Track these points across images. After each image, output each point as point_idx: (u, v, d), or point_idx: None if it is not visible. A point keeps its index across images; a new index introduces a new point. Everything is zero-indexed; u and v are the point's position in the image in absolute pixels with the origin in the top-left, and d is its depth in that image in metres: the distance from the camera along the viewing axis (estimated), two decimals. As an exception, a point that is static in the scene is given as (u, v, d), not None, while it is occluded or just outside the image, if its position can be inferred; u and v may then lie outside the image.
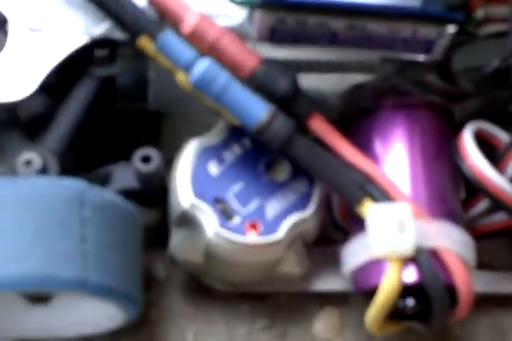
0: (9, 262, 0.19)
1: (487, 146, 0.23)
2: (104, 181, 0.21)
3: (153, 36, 0.20)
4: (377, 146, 0.22)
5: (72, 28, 0.21)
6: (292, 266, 0.22)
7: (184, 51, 0.20)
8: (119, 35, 0.21)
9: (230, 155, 0.21)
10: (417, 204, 0.21)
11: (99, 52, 0.21)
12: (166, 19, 0.21)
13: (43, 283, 0.19)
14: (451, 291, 0.21)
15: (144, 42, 0.20)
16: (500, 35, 0.21)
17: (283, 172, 0.22)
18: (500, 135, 0.22)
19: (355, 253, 0.21)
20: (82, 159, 0.22)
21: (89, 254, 0.19)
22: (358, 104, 0.23)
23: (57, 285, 0.19)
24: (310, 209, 0.21)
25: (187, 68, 0.20)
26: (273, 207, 0.21)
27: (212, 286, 0.24)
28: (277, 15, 0.19)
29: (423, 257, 0.20)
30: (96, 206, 0.19)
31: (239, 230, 0.21)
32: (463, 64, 0.23)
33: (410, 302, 0.20)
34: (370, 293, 0.21)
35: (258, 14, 0.20)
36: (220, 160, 0.21)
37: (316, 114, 0.21)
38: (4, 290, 0.19)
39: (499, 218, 0.22)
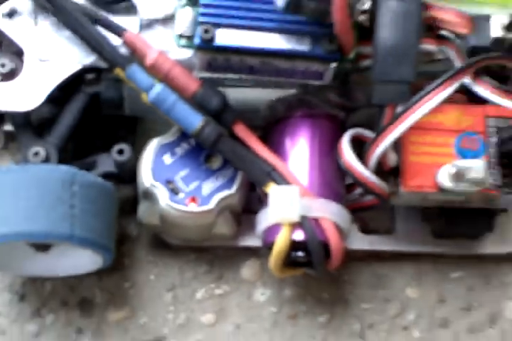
0: (21, 221, 0.28)
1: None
2: (90, 167, 0.30)
3: (123, 68, 0.28)
4: (287, 145, 0.31)
5: (70, 59, 0.30)
6: (223, 228, 0.32)
7: (145, 78, 0.28)
8: (102, 64, 0.30)
9: (180, 150, 0.30)
10: (310, 188, 0.30)
11: (89, 76, 0.30)
12: (135, 54, 0.29)
13: (44, 236, 0.28)
14: (327, 247, 0.30)
15: (118, 72, 0.29)
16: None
17: (216, 162, 0.30)
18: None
19: (263, 220, 0.30)
20: (76, 151, 0.31)
21: (76, 217, 0.28)
22: (276, 113, 0.32)
23: (53, 238, 0.28)
24: (233, 189, 0.30)
25: (146, 91, 0.28)
26: (208, 187, 0.30)
27: (168, 241, 0.33)
28: (210, 55, 0.28)
29: (306, 223, 0.29)
30: (82, 184, 0.29)
31: (182, 202, 0.30)
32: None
33: (299, 254, 0.30)
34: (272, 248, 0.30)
35: (197, 53, 0.28)
36: (173, 153, 0.30)
37: (239, 122, 0.29)
38: (17, 240, 0.28)
39: (370, 198, 0.31)
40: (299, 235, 0.29)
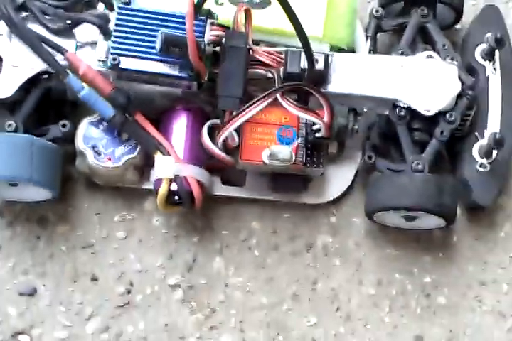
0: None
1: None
2: (44, 133, 0.48)
3: (63, 74, 0.45)
4: (171, 128, 0.48)
5: (32, 65, 0.46)
6: (130, 176, 0.49)
7: (78, 83, 0.45)
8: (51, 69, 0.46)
9: (102, 126, 0.48)
10: (183, 157, 0.47)
11: (44, 76, 0.47)
12: (72, 66, 0.46)
13: (12, 179, 0.46)
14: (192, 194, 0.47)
15: (61, 77, 0.45)
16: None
17: (125, 136, 0.48)
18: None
19: (152, 175, 0.48)
20: (36, 123, 0.48)
21: (34, 167, 0.46)
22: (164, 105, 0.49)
23: (19, 180, 0.46)
24: (135, 154, 0.48)
25: (79, 91, 0.45)
26: (119, 151, 0.48)
27: (96, 182, 0.51)
28: (117, 72, 0.45)
29: (178, 179, 0.47)
30: (38, 146, 0.46)
31: (102, 161, 0.48)
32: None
33: (175, 198, 0.47)
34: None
35: (110, 71, 0.45)
36: (97, 128, 0.48)
37: (138, 112, 0.47)
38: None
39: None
40: (174, 186, 0.47)
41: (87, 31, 0.46)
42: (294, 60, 0.47)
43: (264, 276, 0.51)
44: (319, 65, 0.47)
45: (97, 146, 0.48)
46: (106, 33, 0.45)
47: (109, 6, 0.46)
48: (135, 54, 0.44)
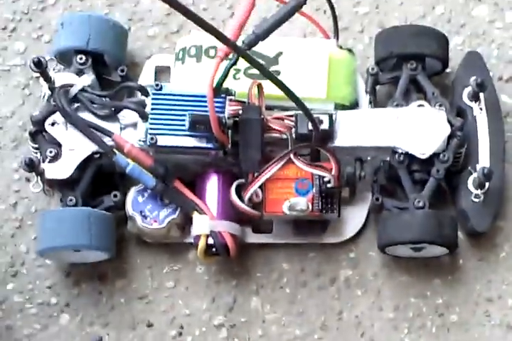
0: (67, 239, 0.55)
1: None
2: (100, 203, 0.58)
3: (110, 153, 0.55)
4: (205, 189, 0.58)
5: (85, 147, 0.56)
6: (174, 234, 0.59)
7: (124, 160, 0.55)
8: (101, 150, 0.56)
9: (146, 193, 0.57)
10: (217, 214, 0.57)
11: (96, 155, 0.57)
12: (118, 145, 0.55)
13: (76, 246, 0.56)
14: (227, 246, 0.57)
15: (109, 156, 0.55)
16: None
17: (166, 200, 0.57)
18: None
19: (192, 232, 0.57)
20: (91, 194, 0.58)
21: (93, 234, 0.56)
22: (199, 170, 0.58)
23: (81, 247, 0.56)
24: (176, 214, 0.57)
25: (125, 167, 0.55)
26: (162, 214, 0.57)
27: (146, 240, 0.60)
28: (156, 148, 0.55)
29: (214, 234, 0.56)
30: (95, 216, 0.56)
31: (149, 223, 0.57)
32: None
33: (212, 250, 0.57)
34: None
35: (149, 147, 0.55)
36: (143, 196, 0.58)
37: (176, 179, 0.56)
38: (64, 250, 0.56)
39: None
40: (211, 240, 0.57)
41: (128, 115, 0.57)
42: (303, 122, 0.56)
43: (295, 310, 0.60)
44: (324, 125, 0.56)
45: (143, 211, 0.57)
46: (144, 117, 0.55)
47: (145, 93, 0.56)
48: (169, 132, 0.54)
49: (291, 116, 0.57)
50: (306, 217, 0.57)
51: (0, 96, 0.65)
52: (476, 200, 0.59)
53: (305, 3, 0.56)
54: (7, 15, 0.68)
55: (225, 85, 0.55)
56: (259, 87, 0.55)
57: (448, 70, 0.65)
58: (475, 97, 0.61)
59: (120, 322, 0.60)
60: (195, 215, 0.56)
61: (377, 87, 0.63)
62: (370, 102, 0.62)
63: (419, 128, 0.59)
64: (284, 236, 0.60)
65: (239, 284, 0.60)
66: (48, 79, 0.57)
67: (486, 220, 0.59)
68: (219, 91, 0.53)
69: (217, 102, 0.54)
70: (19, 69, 0.66)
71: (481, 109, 0.62)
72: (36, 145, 0.58)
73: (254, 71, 0.57)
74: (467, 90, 0.62)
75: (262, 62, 0.59)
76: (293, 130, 0.56)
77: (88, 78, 0.58)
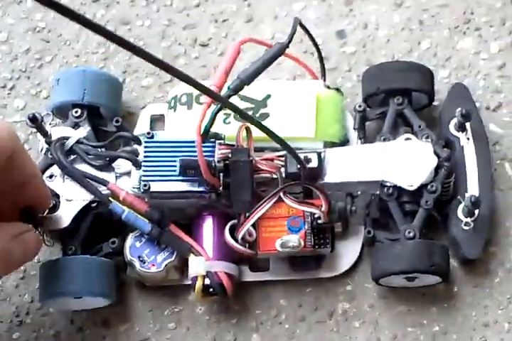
0: (66, 286, 0.58)
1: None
2: (99, 250, 0.61)
3: (106, 202, 0.58)
4: (201, 230, 0.61)
5: (82, 197, 0.60)
6: (172, 276, 0.61)
7: (119, 208, 0.58)
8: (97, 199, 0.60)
9: (143, 239, 0.60)
10: (212, 255, 0.59)
11: (93, 204, 0.60)
12: (113, 194, 0.59)
13: (78, 294, 0.59)
14: (223, 285, 0.59)
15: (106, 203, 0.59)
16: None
17: (163, 244, 0.60)
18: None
19: (189, 273, 0.60)
20: (90, 242, 0.61)
21: (93, 282, 0.59)
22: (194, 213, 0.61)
23: (82, 294, 0.59)
24: (173, 257, 0.60)
25: (121, 214, 0.58)
26: (160, 257, 0.60)
27: (145, 284, 0.62)
28: (149, 194, 0.58)
29: (211, 274, 0.59)
30: (94, 263, 0.60)
31: (147, 267, 0.60)
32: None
33: (210, 290, 0.59)
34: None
35: (144, 194, 0.58)
36: (140, 241, 0.60)
37: (172, 223, 0.59)
38: (66, 296, 0.59)
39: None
40: (207, 281, 0.59)
41: (123, 164, 0.60)
42: (292, 161, 0.59)
43: (295, 345, 0.62)
44: (313, 163, 0.59)
45: (141, 256, 0.60)
46: (137, 165, 0.58)
47: (138, 142, 0.60)
48: (161, 178, 0.57)
49: (281, 156, 0.60)
50: (300, 253, 0.60)
51: (2, 153, 0.68)
52: (467, 228, 0.61)
53: (288, 47, 0.59)
54: (6, 75, 0.72)
55: (215, 130, 0.58)
56: (248, 129, 0.59)
57: (436, 103, 0.68)
58: (461, 128, 0.64)
59: (123, 366, 0.62)
60: (191, 257, 0.59)
61: (367, 123, 0.66)
62: (360, 138, 0.65)
63: (406, 161, 0.61)
64: (281, 273, 0.62)
65: (239, 322, 0.63)
66: (44, 134, 0.61)
67: (477, 247, 0.61)
68: (207, 136, 0.56)
69: (206, 147, 0.57)
70: (19, 126, 0.69)
71: (468, 138, 0.64)
72: (36, 198, 0.61)
73: (243, 115, 0.61)
74: (453, 121, 0.64)
75: (251, 105, 0.63)
76: (282, 169, 0.60)
77: (84, 130, 0.62)
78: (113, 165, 0.60)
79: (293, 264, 0.62)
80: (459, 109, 0.63)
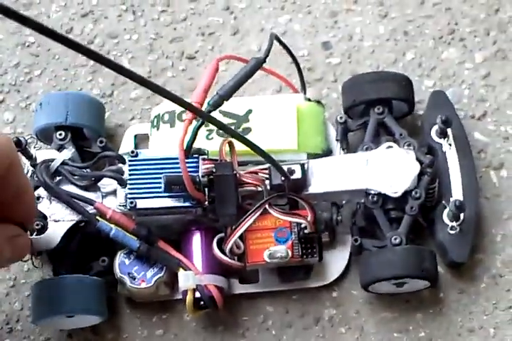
0: (62, 307, 0.60)
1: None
2: (89, 269, 0.63)
3: (93, 221, 0.60)
4: (190, 245, 0.62)
5: (69, 217, 0.62)
6: (162, 291, 0.63)
7: (107, 226, 0.60)
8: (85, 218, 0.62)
9: (132, 256, 0.62)
10: (202, 269, 0.61)
11: (81, 223, 0.62)
12: (100, 212, 0.61)
13: (70, 312, 0.61)
14: (213, 298, 0.61)
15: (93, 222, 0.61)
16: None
17: (152, 260, 0.62)
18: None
19: (180, 287, 0.61)
20: (80, 261, 0.63)
21: (86, 300, 0.61)
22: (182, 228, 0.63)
23: (74, 313, 0.61)
24: (163, 273, 0.62)
25: (109, 232, 0.60)
26: (149, 273, 0.62)
27: (136, 300, 0.64)
28: (136, 212, 0.60)
29: (201, 287, 0.60)
30: (85, 282, 0.62)
31: (137, 284, 0.62)
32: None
33: (200, 303, 0.61)
34: (186, 301, 0.62)
35: (130, 210, 0.60)
36: (129, 258, 0.62)
37: (160, 240, 0.61)
38: (58, 316, 0.61)
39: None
40: (197, 294, 0.61)
41: (109, 183, 0.62)
42: (276, 173, 0.61)
43: (282, 352, 0.64)
44: (297, 175, 0.62)
45: (131, 273, 0.62)
46: (122, 183, 0.60)
47: (123, 161, 0.61)
48: (147, 195, 0.59)
49: (265, 169, 0.62)
50: (288, 264, 0.62)
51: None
52: (453, 232, 0.63)
53: (264, 62, 0.61)
54: (-4, 89, 0.74)
55: (199, 146, 0.61)
56: (230, 144, 0.61)
57: (420, 112, 0.70)
58: (443, 134, 0.66)
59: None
60: (181, 272, 0.61)
61: (350, 133, 0.68)
62: (343, 149, 0.67)
63: (389, 169, 0.63)
64: (271, 284, 0.64)
65: (226, 328, 0.65)
66: (29, 157, 0.63)
67: (464, 250, 0.63)
68: (190, 151, 0.58)
69: (190, 162, 0.59)
70: (7, 139, 0.72)
71: (450, 144, 0.67)
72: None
73: (226, 130, 0.63)
74: (435, 128, 0.67)
75: (233, 120, 0.65)
76: (267, 182, 0.62)
77: (68, 152, 0.64)
78: (99, 184, 0.62)
79: (282, 275, 0.64)
80: (439, 116, 0.65)
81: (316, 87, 0.72)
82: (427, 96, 0.70)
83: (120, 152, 0.66)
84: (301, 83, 0.68)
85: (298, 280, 0.64)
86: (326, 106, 0.70)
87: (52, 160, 0.63)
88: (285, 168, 0.61)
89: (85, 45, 0.71)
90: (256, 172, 0.62)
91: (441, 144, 0.67)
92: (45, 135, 0.67)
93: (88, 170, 0.63)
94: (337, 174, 0.64)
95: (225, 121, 0.65)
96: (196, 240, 0.63)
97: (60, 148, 0.65)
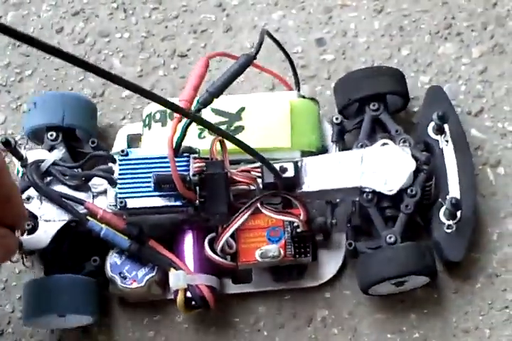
0: (52, 307, 0.62)
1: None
2: (82, 269, 0.64)
3: (84, 220, 0.61)
4: (182, 245, 0.63)
5: (60, 217, 0.63)
6: (155, 291, 0.64)
7: (97, 226, 0.61)
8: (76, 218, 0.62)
9: (124, 255, 0.63)
10: (194, 268, 0.62)
11: (73, 223, 0.63)
12: (91, 212, 0.61)
13: (63, 312, 0.62)
14: (205, 298, 0.62)
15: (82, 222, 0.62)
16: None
17: (144, 260, 0.63)
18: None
19: (171, 287, 0.62)
20: (73, 261, 0.64)
21: (78, 300, 0.62)
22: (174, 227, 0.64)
23: (68, 313, 0.62)
24: (154, 273, 0.62)
25: (99, 232, 0.61)
26: (141, 273, 0.62)
27: (128, 300, 0.65)
28: (126, 212, 0.60)
29: (192, 287, 0.61)
30: (78, 282, 0.63)
31: (129, 283, 0.62)
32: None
33: (192, 303, 0.62)
34: (177, 301, 0.62)
35: (120, 210, 0.61)
36: (120, 258, 0.63)
37: (151, 239, 0.62)
38: (49, 315, 0.62)
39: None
40: (189, 294, 0.62)
41: (100, 183, 0.63)
42: (269, 172, 0.61)
43: (274, 353, 0.64)
44: (289, 173, 0.62)
45: (122, 272, 0.62)
46: (112, 183, 0.61)
47: (113, 160, 0.62)
48: (137, 194, 0.60)
49: (257, 167, 0.63)
50: (281, 263, 0.62)
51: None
52: (449, 231, 0.63)
53: (255, 58, 0.62)
54: (-14, 90, 0.75)
55: (191, 145, 0.61)
56: (222, 142, 0.61)
57: (416, 109, 0.70)
58: (439, 130, 0.66)
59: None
60: (172, 272, 0.61)
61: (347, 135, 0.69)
62: (340, 150, 0.67)
63: (384, 166, 0.63)
64: (264, 284, 0.65)
65: (217, 330, 0.66)
66: (19, 157, 0.63)
67: (459, 250, 0.64)
68: (179, 150, 0.59)
69: (180, 161, 0.60)
70: (-1, 139, 0.72)
71: (447, 141, 0.67)
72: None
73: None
74: (432, 124, 0.67)
75: (225, 119, 0.66)
76: (260, 180, 0.62)
77: (59, 152, 0.65)
78: (90, 184, 0.63)
79: (275, 275, 0.64)
80: (436, 111, 0.65)
81: (309, 84, 0.73)
82: (422, 93, 0.70)
83: (113, 152, 0.67)
84: (294, 80, 0.68)
85: (291, 280, 0.64)
86: (320, 104, 0.70)
87: (43, 160, 0.63)
88: (278, 166, 0.62)
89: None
90: (248, 171, 0.63)
91: (438, 141, 0.67)
92: (36, 135, 0.68)
93: (79, 170, 0.64)
94: (331, 172, 0.64)
95: (217, 119, 0.65)
96: (188, 239, 0.63)
97: (51, 149, 0.66)
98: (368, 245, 0.64)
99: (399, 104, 0.70)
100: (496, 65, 0.72)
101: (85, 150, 0.67)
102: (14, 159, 0.65)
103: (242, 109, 0.66)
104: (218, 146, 0.61)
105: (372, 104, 0.68)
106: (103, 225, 0.61)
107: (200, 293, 0.61)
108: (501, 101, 0.71)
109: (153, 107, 0.67)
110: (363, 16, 0.75)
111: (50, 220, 0.62)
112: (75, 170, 0.64)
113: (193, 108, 0.59)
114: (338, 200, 0.65)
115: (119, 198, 0.60)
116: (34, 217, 0.62)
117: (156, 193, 0.60)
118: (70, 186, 0.63)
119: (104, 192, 0.63)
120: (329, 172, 0.64)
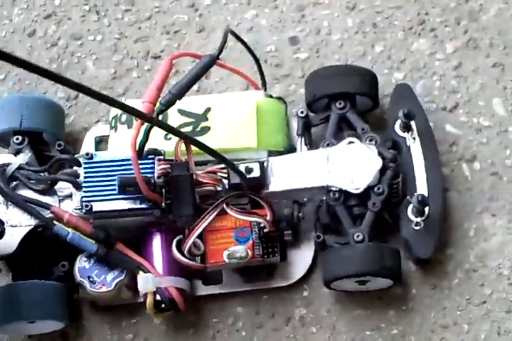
0: (20, 313, 0.63)
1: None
2: (51, 273, 0.65)
3: (50, 225, 0.62)
4: (150, 247, 0.64)
5: (26, 222, 0.64)
6: (124, 295, 0.65)
7: (63, 230, 0.62)
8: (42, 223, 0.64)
9: (92, 260, 0.64)
10: (163, 271, 0.63)
11: (39, 229, 0.64)
12: (58, 216, 0.63)
13: (32, 318, 0.63)
14: (174, 300, 0.63)
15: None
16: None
17: (112, 264, 0.64)
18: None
19: (140, 290, 0.63)
20: (42, 266, 0.65)
21: (46, 305, 0.63)
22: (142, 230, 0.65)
23: (36, 319, 0.64)
24: (123, 276, 0.64)
25: (66, 236, 0.62)
26: (109, 277, 0.63)
27: (98, 304, 0.67)
28: (92, 215, 0.62)
29: (161, 290, 0.62)
30: (47, 288, 0.64)
31: (98, 288, 0.64)
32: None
33: (162, 306, 0.63)
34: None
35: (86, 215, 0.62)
36: (89, 262, 0.64)
37: (118, 242, 0.63)
38: (20, 321, 0.63)
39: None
40: (158, 297, 0.63)
41: (65, 186, 0.64)
42: (234, 174, 0.63)
43: (253, 353, 0.65)
44: (255, 173, 0.63)
45: (91, 276, 0.64)
46: (77, 186, 0.62)
47: (78, 164, 0.63)
48: (102, 198, 0.61)
49: (224, 168, 0.64)
50: (250, 264, 0.63)
51: None
52: (417, 228, 0.64)
53: (218, 58, 0.63)
54: (-41, 93, 0.76)
55: (157, 146, 0.62)
56: (187, 143, 0.62)
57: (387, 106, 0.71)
58: (406, 128, 0.67)
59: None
60: (140, 275, 0.62)
61: (314, 130, 0.70)
62: (306, 144, 0.68)
63: (350, 165, 0.64)
64: (234, 285, 0.66)
65: (196, 331, 0.67)
66: (-16, 162, 0.65)
67: (428, 247, 0.64)
68: (142, 152, 0.60)
69: (145, 163, 0.61)
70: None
71: (413, 138, 0.68)
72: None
73: (184, 130, 0.65)
74: (398, 122, 0.67)
75: (191, 119, 0.67)
76: (226, 181, 0.63)
77: (25, 156, 0.66)
78: (56, 188, 0.64)
79: (245, 275, 0.65)
80: (402, 109, 0.66)
81: (283, 83, 0.73)
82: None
83: (78, 155, 0.68)
84: (261, 79, 0.69)
85: (261, 281, 0.66)
86: (294, 102, 0.71)
87: (8, 164, 0.64)
88: (243, 166, 0.63)
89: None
90: (214, 172, 0.64)
91: (405, 138, 0.67)
92: (3, 139, 0.69)
93: (45, 174, 0.65)
94: (297, 171, 0.65)
95: (184, 120, 0.66)
96: (156, 242, 0.65)
97: (18, 153, 0.67)
98: (337, 240, 0.65)
99: (369, 105, 0.70)
100: (470, 59, 0.73)
101: (52, 154, 0.67)
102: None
103: (209, 109, 0.67)
104: (183, 147, 0.62)
105: (338, 102, 0.69)
106: (70, 229, 0.63)
107: (169, 295, 0.63)
108: (476, 96, 0.72)
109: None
110: (336, 14, 0.76)
111: (17, 225, 0.64)
112: (41, 174, 0.65)
113: (155, 109, 0.60)
114: (305, 200, 0.66)
115: (85, 202, 0.61)
116: (0, 223, 0.64)
117: (122, 196, 0.61)
118: (35, 190, 0.64)
119: (70, 195, 0.64)
120: (295, 172, 0.65)
